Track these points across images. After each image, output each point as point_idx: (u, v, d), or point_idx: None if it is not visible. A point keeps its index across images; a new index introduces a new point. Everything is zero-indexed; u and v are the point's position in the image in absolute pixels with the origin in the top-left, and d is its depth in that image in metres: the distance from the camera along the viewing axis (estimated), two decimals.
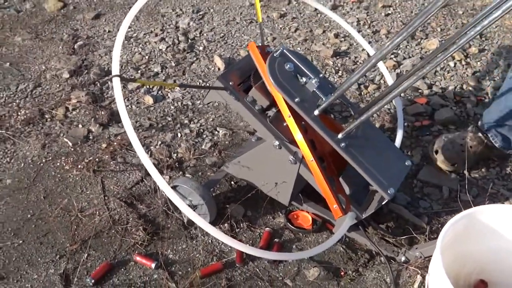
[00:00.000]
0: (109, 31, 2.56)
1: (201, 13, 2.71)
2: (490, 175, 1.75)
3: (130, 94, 2.13)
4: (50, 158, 1.83)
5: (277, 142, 1.43)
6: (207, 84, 2.18)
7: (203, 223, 1.29)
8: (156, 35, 2.51)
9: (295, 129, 1.38)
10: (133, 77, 2.22)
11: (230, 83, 1.46)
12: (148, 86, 2.15)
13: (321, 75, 1.45)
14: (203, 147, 1.88)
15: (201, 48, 2.44)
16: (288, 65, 1.41)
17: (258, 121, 1.45)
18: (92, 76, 2.21)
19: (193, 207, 1.55)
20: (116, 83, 1.30)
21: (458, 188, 1.69)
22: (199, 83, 2.20)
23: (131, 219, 1.60)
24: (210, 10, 2.75)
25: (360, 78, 1.40)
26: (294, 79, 1.41)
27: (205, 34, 2.54)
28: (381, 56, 1.28)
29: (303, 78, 1.42)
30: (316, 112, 1.37)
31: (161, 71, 2.26)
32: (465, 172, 1.73)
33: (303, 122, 1.41)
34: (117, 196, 1.68)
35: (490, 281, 1.26)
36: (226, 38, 2.51)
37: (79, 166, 1.78)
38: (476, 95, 2.11)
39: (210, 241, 1.54)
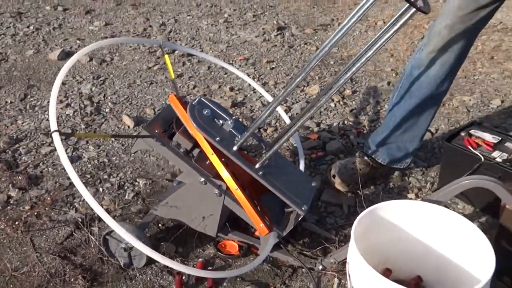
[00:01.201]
0: (11, 102, 2.61)
1: (101, 78, 2.87)
2: (378, 191, 2.08)
3: (44, 158, 2.19)
4: None
5: (202, 179, 1.63)
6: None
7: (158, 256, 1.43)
8: (61, 101, 2.61)
9: (219, 164, 1.59)
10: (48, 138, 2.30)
11: (155, 131, 1.64)
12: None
13: (234, 117, 1.70)
14: (126, 197, 2.00)
15: (107, 110, 2.58)
16: (206, 111, 1.64)
17: (184, 162, 1.64)
18: (2, 145, 2.25)
19: (129, 250, 1.67)
20: (56, 138, 1.43)
21: (355, 204, 1.99)
22: (112, 141, 2.34)
23: (68, 270, 1.67)
24: (110, 75, 2.91)
25: (265, 120, 1.68)
26: (212, 121, 1.64)
27: (109, 97, 2.69)
28: (279, 101, 1.57)
29: (220, 120, 1.65)
30: (235, 148, 1.60)
31: (70, 132, 2.36)
32: (359, 191, 2.05)
33: (223, 159, 1.63)
34: (50, 252, 1.74)
35: (394, 268, 1.53)
36: (130, 99, 2.68)
37: (6, 229, 1.81)
38: (356, 128, 2.49)
39: (148, 278, 1.66)
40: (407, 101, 1.97)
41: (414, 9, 1.22)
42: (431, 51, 1.87)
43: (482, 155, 1.90)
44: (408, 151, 2.06)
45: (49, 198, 1.93)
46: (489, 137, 1.98)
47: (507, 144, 1.96)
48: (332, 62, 3.17)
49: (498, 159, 1.89)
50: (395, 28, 1.27)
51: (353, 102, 2.73)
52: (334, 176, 2.05)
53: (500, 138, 1.98)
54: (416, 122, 2.00)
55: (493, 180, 1.39)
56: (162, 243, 1.77)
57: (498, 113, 2.66)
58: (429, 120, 2.01)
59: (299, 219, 1.68)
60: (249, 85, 2.64)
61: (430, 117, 2.01)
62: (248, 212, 1.60)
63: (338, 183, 2.04)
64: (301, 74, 1.50)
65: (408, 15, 1.25)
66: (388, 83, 2.93)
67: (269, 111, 1.59)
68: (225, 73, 2.95)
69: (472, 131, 2.02)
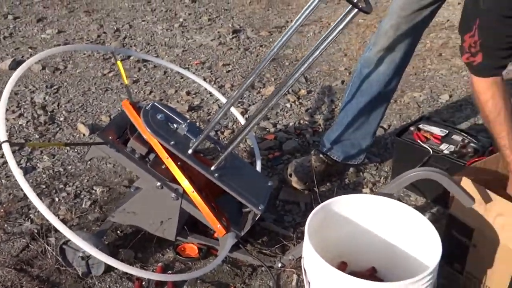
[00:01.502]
0: None
1: (55, 87, 2.82)
2: (333, 187, 2.13)
3: None
4: None
5: (158, 183, 1.63)
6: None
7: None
8: (13, 112, 2.56)
9: (174, 168, 1.60)
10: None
11: (109, 137, 1.64)
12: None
13: (188, 121, 1.71)
14: (83, 206, 1.98)
15: (62, 118, 2.54)
16: (160, 115, 1.65)
17: (139, 167, 1.64)
18: None
19: (87, 258, 1.66)
20: (6, 148, 1.41)
21: (311, 201, 2.03)
22: (67, 150, 2.31)
23: (24, 282, 1.64)
24: (63, 84, 2.87)
25: (218, 122, 1.70)
26: (167, 126, 1.65)
27: (63, 106, 2.65)
28: (232, 102, 1.60)
29: (174, 124, 1.66)
30: (190, 151, 1.61)
31: (21, 142, 2.32)
32: (315, 188, 2.09)
33: (179, 163, 1.64)
34: (5, 265, 1.71)
35: (349, 261, 1.57)
36: (85, 107, 2.66)
37: None
38: (312, 127, 2.54)
39: (107, 286, 1.65)
40: (358, 99, 2.02)
41: (356, 10, 1.26)
42: (379, 50, 1.93)
43: (431, 148, 1.98)
44: (361, 148, 2.12)
45: (2, 210, 1.89)
46: (437, 131, 2.06)
47: (454, 136, 2.04)
48: (287, 63, 3.22)
49: (446, 151, 1.96)
50: (339, 28, 1.31)
51: (309, 102, 2.78)
52: (290, 175, 2.09)
53: (447, 131, 2.06)
54: (368, 119, 2.06)
55: (438, 172, 1.44)
56: (121, 249, 1.76)
57: (446, 107, 2.76)
58: (379, 117, 2.08)
59: (257, 219, 1.71)
60: (206, 88, 2.65)
61: (380, 114, 2.07)
62: (205, 214, 1.62)
63: (294, 182, 2.08)
64: (252, 76, 1.53)
65: (351, 15, 1.29)
66: (342, 82, 2.99)
67: (222, 112, 1.62)
68: (182, 78, 2.96)
69: (421, 126, 2.10)
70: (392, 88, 2.03)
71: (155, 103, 1.68)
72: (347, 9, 1.33)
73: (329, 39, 1.34)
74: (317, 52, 1.37)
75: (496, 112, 1.51)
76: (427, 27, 1.94)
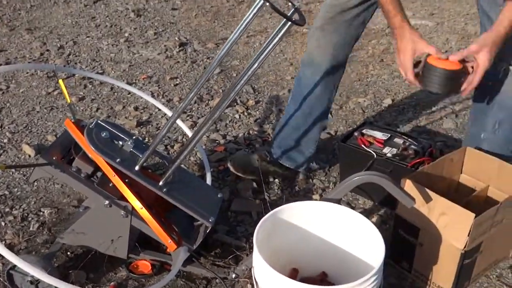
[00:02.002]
0: None
1: None
2: (283, 195, 2.16)
3: None
4: None
5: (107, 202, 1.62)
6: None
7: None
8: None
9: (121, 185, 1.60)
10: None
11: (54, 158, 1.61)
12: None
13: (134, 137, 1.70)
14: (31, 229, 1.94)
15: (5, 140, 2.48)
16: (104, 133, 1.64)
17: (86, 186, 1.62)
18: None
19: (36, 282, 1.63)
20: None
21: (263, 210, 2.06)
22: (12, 172, 2.25)
23: None
24: (6, 104, 2.80)
25: (165, 135, 1.70)
26: (112, 143, 1.64)
27: (7, 127, 2.59)
28: (177, 114, 1.61)
29: (119, 141, 1.66)
30: (136, 168, 1.61)
31: None
32: (267, 197, 2.12)
33: (127, 180, 1.63)
34: None
35: (301, 267, 1.60)
36: (30, 127, 2.60)
37: None
38: (261, 137, 2.58)
39: None
40: (297, 106, 2.08)
41: (290, 23, 1.30)
42: (309, 52, 2.01)
43: (375, 152, 2.05)
44: (304, 155, 2.18)
45: None
46: (379, 135, 2.13)
47: (396, 140, 2.12)
48: (234, 75, 3.25)
49: (389, 154, 2.04)
50: (275, 41, 1.35)
51: (257, 112, 2.81)
52: (230, 161, 2.21)
53: (389, 135, 2.13)
54: (308, 126, 2.11)
55: (379, 175, 1.50)
56: (72, 271, 1.73)
57: (390, 111, 2.86)
58: (319, 123, 2.13)
59: (208, 231, 1.72)
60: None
61: (320, 120, 2.12)
62: (155, 229, 1.61)
63: (234, 168, 2.19)
64: (195, 88, 1.55)
65: (285, 28, 1.33)
66: (289, 90, 3.05)
67: (168, 126, 1.62)
68: (129, 93, 2.94)
69: (364, 131, 2.16)
70: (328, 91, 2.07)
71: (99, 121, 1.67)
72: (282, 22, 1.37)
73: (266, 51, 1.38)
74: (256, 65, 1.40)
75: None
76: (362, 32, 2.01)
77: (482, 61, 1.61)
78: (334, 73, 2.03)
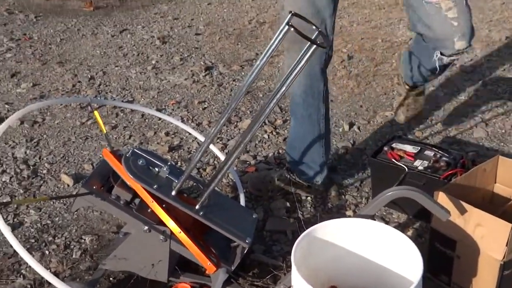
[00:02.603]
0: None
1: (35, 140, 2.85)
2: (317, 212, 2.18)
3: None
4: None
5: (146, 227, 1.67)
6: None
7: None
8: None
9: (160, 210, 1.65)
10: None
11: (94, 187, 1.68)
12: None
13: (169, 163, 1.76)
14: (74, 256, 2.00)
15: (45, 171, 2.57)
16: (141, 161, 1.70)
17: (126, 213, 1.68)
18: None
19: None
20: None
21: (298, 229, 2.08)
22: (53, 202, 2.33)
23: None
24: (43, 136, 2.91)
25: (199, 160, 1.75)
26: (148, 170, 1.70)
27: (45, 158, 2.68)
28: (210, 140, 1.66)
29: (155, 168, 1.71)
30: (173, 193, 1.66)
31: (11, 200, 2.34)
32: (299, 215, 2.15)
33: (164, 205, 1.68)
34: None
35: (339, 284, 1.62)
36: (67, 158, 2.69)
37: None
38: None
39: None
40: (296, 120, 2.18)
41: (314, 46, 1.35)
42: (288, 65, 2.01)
43: (406, 165, 2.05)
44: (317, 168, 2.22)
45: None
46: (409, 148, 2.14)
47: (426, 152, 2.12)
48: (261, 95, 3.30)
49: (420, 167, 2.04)
50: (301, 64, 1.39)
51: (285, 130, 2.85)
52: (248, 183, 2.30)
53: (419, 148, 2.14)
54: (309, 131, 2.16)
55: (412, 189, 1.52)
56: None
57: (418, 123, 2.86)
58: (323, 133, 2.16)
59: (245, 252, 1.75)
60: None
61: (323, 130, 2.16)
62: (194, 252, 1.65)
63: (250, 187, 2.29)
64: (226, 113, 1.59)
65: (310, 51, 1.37)
66: None
67: (201, 152, 1.67)
68: (159, 119, 3.02)
69: (394, 145, 2.18)
70: (315, 100, 2.08)
71: (135, 149, 1.73)
72: (306, 46, 1.41)
73: (293, 74, 1.42)
74: (284, 88, 1.44)
75: None
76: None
77: None
78: (316, 71, 2.03)
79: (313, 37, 1.41)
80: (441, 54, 1.90)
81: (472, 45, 1.90)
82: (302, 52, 1.44)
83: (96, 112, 1.95)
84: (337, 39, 4.20)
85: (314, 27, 1.44)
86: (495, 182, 1.94)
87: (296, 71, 1.42)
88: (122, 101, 3.30)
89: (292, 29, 1.34)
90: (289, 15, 1.41)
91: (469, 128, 2.79)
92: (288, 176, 2.27)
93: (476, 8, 4.83)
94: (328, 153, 2.27)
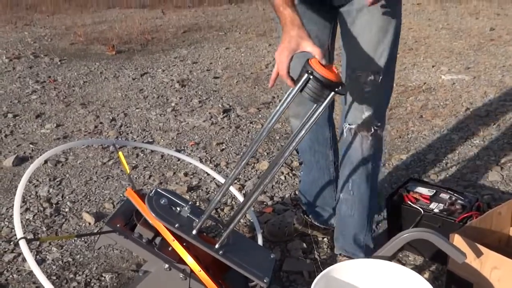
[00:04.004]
0: None
1: (58, 179, 2.94)
2: (333, 253, 2.21)
3: (8, 265, 2.22)
4: None
5: (166, 265, 1.71)
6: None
7: None
8: (20, 206, 2.65)
9: (181, 249, 1.69)
10: (8, 247, 2.32)
11: (117, 225, 1.73)
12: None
13: (190, 203, 1.81)
14: None
15: (67, 209, 2.64)
16: (163, 200, 1.76)
17: (147, 251, 1.72)
18: None
19: None
20: (23, 245, 1.50)
21: (314, 269, 2.10)
22: (74, 240, 2.38)
23: None
24: (66, 175, 2.99)
25: (219, 201, 1.81)
26: (170, 210, 1.75)
27: (67, 197, 2.76)
28: (231, 181, 1.72)
29: (177, 208, 1.77)
30: (194, 232, 1.71)
31: (34, 237, 2.40)
32: (316, 256, 2.17)
33: (184, 243, 1.73)
34: None
35: None
36: (88, 196, 2.76)
37: None
38: None
39: None
40: (305, 165, 2.24)
41: (333, 93, 1.42)
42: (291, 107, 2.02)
43: (421, 208, 2.08)
44: (330, 211, 2.24)
45: None
46: (425, 191, 2.17)
47: (442, 195, 2.15)
48: (277, 137, 3.38)
49: (436, 210, 2.07)
50: (319, 110, 1.46)
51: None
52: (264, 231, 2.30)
53: (434, 191, 2.17)
54: (319, 174, 2.19)
55: (428, 231, 1.55)
56: None
57: (433, 166, 2.90)
58: (333, 178, 2.18)
59: None
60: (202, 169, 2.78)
61: (333, 176, 2.19)
62: None
63: (266, 233, 2.29)
64: (246, 157, 1.65)
65: (329, 97, 1.44)
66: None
67: (222, 193, 1.73)
68: (178, 160, 3.09)
69: (409, 187, 2.21)
70: (324, 127, 2.10)
71: (158, 189, 1.79)
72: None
73: (311, 120, 1.49)
74: (302, 132, 1.51)
75: None
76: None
77: None
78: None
79: None
80: None
81: None
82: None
83: (120, 153, 2.03)
84: None
85: None
86: (511, 226, 1.96)
87: (314, 117, 1.49)
88: (143, 142, 3.40)
89: (311, 76, 1.41)
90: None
91: (484, 172, 2.81)
92: (305, 218, 2.31)
93: (489, 53, 4.93)
94: None
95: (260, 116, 3.77)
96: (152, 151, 3.22)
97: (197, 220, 1.75)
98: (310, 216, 2.30)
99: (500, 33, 5.66)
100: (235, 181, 2.81)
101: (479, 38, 5.56)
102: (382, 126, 1.90)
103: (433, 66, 4.67)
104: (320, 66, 1.45)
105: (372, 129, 1.85)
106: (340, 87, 1.46)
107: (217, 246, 1.72)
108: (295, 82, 1.50)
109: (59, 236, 2.40)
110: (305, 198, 2.29)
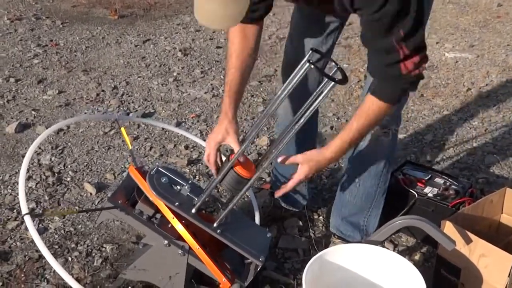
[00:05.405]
0: None
1: (60, 148, 2.98)
2: (329, 232, 2.26)
3: (12, 233, 2.28)
4: None
5: (166, 241, 1.77)
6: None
7: None
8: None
9: (180, 228, 1.75)
10: (10, 216, 2.38)
11: (119, 201, 1.78)
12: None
13: (190, 182, 1.86)
14: (95, 264, 2.11)
15: (68, 179, 2.69)
16: (164, 179, 1.80)
17: (148, 227, 1.78)
18: None
19: None
20: (28, 220, 1.55)
21: (309, 248, 2.17)
22: (77, 209, 2.44)
23: None
24: (68, 144, 3.03)
25: (219, 181, 1.85)
26: (170, 188, 1.80)
27: (69, 166, 2.80)
28: (231, 162, 1.75)
29: (177, 186, 1.81)
30: (193, 210, 1.76)
31: (36, 206, 2.46)
32: (311, 234, 2.23)
33: (184, 221, 1.78)
34: None
35: None
36: (90, 166, 2.81)
37: None
38: None
39: None
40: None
41: (333, 83, 1.44)
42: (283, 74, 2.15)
43: (416, 192, 2.13)
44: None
45: (22, 275, 2.01)
46: (420, 175, 2.22)
47: (436, 179, 2.20)
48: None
49: (430, 194, 2.12)
50: (319, 99, 1.49)
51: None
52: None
53: (430, 175, 2.22)
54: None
55: (419, 219, 1.60)
56: None
57: (431, 147, 2.93)
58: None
59: (259, 269, 1.84)
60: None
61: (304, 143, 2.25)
62: (210, 268, 1.75)
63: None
64: (245, 143, 1.68)
65: (328, 87, 1.46)
66: (331, 127, 3.17)
67: (223, 173, 1.76)
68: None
69: (405, 171, 2.25)
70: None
71: (159, 168, 1.83)
72: (324, 82, 1.50)
73: (311, 109, 1.51)
74: (301, 120, 1.53)
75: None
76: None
77: (300, 173, 1.67)
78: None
79: (330, 73, 1.51)
80: None
81: None
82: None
83: (123, 129, 2.06)
84: (355, 58, 4.28)
85: (333, 63, 1.54)
86: (502, 213, 2.01)
87: (313, 105, 1.51)
88: (144, 113, 3.42)
89: (312, 66, 1.43)
90: (310, 51, 1.50)
91: (480, 155, 2.85)
92: (273, 200, 2.34)
93: (494, 31, 4.89)
94: None
95: (261, 89, 3.78)
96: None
97: (196, 199, 1.80)
98: (280, 199, 2.33)
99: (508, 10, 5.59)
100: None
101: (486, 14, 5.51)
102: (397, 128, 1.96)
103: (437, 43, 4.65)
104: (237, 163, 1.67)
105: (390, 134, 1.91)
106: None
107: (215, 224, 1.77)
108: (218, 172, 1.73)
109: (62, 211, 2.44)
110: (276, 178, 2.31)
